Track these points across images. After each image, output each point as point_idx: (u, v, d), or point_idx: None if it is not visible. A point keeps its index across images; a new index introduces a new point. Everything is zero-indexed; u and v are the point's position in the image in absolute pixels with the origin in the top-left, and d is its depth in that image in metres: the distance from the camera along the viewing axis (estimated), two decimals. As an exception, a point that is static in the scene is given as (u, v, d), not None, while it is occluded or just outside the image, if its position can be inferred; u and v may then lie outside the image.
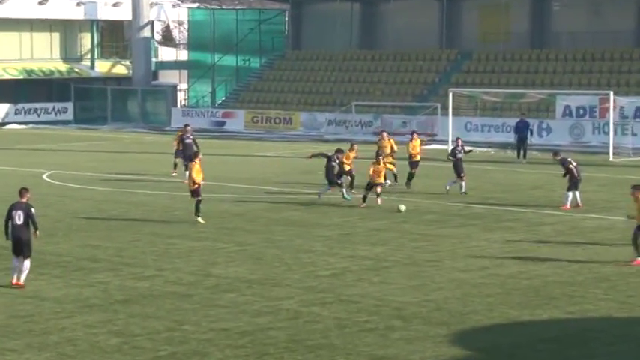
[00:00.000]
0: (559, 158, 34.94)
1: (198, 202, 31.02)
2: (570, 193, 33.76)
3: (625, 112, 54.21)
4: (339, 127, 63.68)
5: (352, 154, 37.55)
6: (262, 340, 18.73)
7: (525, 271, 24.22)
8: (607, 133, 50.79)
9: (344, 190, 34.96)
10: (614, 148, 49.29)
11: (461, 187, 36.98)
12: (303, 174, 43.42)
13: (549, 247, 27.29)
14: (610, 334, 18.98)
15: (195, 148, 40.46)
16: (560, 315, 20.23)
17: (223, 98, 76.59)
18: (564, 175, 34.05)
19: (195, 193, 31.12)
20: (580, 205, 33.62)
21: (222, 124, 69.31)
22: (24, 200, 22.76)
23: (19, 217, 22.37)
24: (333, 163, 35.07)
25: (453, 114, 54.32)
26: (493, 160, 49.59)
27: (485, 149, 53.62)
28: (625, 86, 58.47)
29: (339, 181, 35.05)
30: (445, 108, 55.65)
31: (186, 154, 39.89)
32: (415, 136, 40.70)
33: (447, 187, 37.11)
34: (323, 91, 69.41)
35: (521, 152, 48.94)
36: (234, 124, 68.64)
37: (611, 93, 51.29)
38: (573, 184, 33.82)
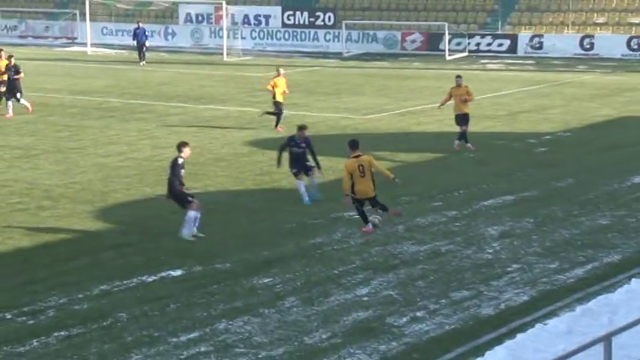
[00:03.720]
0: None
1: None
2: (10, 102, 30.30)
3: (235, 19, 55.04)
4: (-16, 31, 60.24)
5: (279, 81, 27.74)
6: None
7: (157, 155, 24.27)
8: (222, 37, 51.38)
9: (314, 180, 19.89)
10: (227, 49, 49.98)
11: None
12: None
13: (176, 134, 27.43)
14: (226, 205, 19.49)
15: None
16: (186, 190, 20.52)
17: None
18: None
19: None
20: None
21: None
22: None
23: None
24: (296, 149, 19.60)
25: (91, 19, 53.08)
26: (127, 60, 48.85)
27: (119, 51, 52.75)
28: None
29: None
30: (83, 14, 54.01)
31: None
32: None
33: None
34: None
35: (141, 55, 47.33)
36: None
37: (224, 2, 51.70)
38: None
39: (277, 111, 27.78)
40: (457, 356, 11.91)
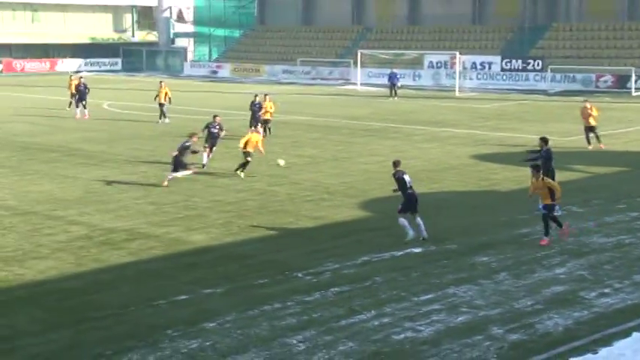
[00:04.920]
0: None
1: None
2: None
3: (465, 65, 54.24)
4: (289, 74, 62.91)
5: None
6: (242, 207, 18.70)
7: (404, 164, 23.96)
8: (454, 78, 50.78)
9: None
10: (459, 87, 49.33)
11: None
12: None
13: (419, 149, 27.32)
14: (454, 201, 19.18)
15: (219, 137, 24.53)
16: (424, 190, 20.21)
17: (216, 56, 75.00)
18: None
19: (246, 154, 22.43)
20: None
21: (216, 72, 68.11)
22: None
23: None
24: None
25: (361, 66, 54.18)
26: (384, 95, 49.35)
27: (380, 88, 53.35)
28: (465, 49, 58.24)
29: None
30: (355, 62, 55.19)
31: (213, 143, 24.13)
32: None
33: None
34: (279, 52, 68.24)
35: (393, 92, 47.43)
36: (223, 72, 67.48)
37: (457, 53, 51.15)
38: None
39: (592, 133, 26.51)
40: (637, 325, 11.07)
